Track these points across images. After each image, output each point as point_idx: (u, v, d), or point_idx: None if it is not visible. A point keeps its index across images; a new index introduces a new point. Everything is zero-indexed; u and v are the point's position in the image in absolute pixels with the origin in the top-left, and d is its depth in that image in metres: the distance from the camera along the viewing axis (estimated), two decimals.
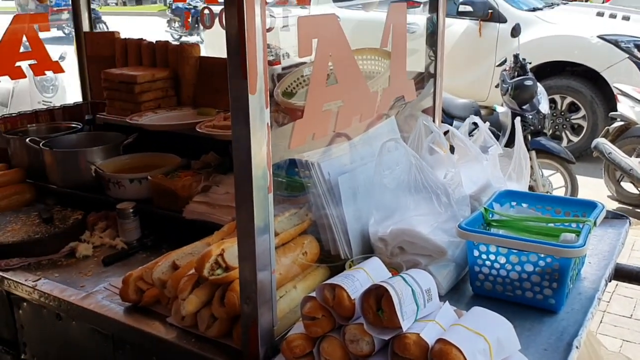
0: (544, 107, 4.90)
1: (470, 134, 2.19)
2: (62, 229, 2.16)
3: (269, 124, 1.30)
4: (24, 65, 2.92)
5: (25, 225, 2.20)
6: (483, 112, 5.54)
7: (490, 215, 1.73)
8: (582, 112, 6.47)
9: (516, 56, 4.99)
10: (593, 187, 5.45)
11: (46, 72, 3.04)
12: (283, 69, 2.57)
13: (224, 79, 2.64)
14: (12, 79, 3.01)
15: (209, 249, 1.46)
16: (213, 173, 2.31)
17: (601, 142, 5.12)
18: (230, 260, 1.44)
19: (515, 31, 5.14)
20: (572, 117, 6.55)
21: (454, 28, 6.91)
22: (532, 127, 4.77)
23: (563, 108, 6.57)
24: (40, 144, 2.50)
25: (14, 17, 2.88)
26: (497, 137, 4.87)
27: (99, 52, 2.98)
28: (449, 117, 5.01)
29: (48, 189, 2.52)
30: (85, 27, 3.10)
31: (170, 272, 1.60)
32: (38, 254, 2.05)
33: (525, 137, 4.69)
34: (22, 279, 1.90)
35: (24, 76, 2.96)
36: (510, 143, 4.74)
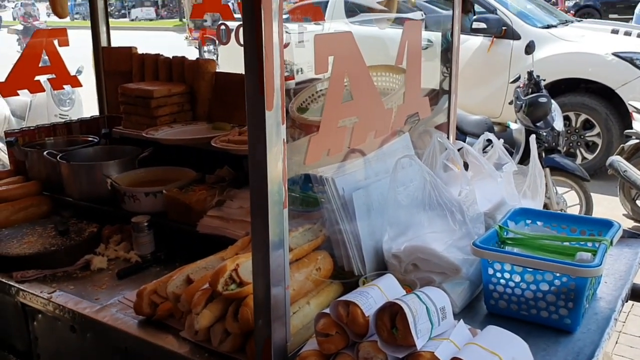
0: (558, 125, 4.88)
1: (484, 150, 2.19)
2: (77, 242, 2.18)
3: (285, 140, 1.31)
4: (43, 79, 2.96)
5: (42, 238, 2.22)
6: (497, 128, 5.52)
7: (505, 233, 1.72)
8: (597, 130, 6.43)
9: (530, 73, 4.98)
10: (608, 205, 5.40)
11: (64, 86, 3.07)
12: (297, 84, 2.59)
13: (239, 94, 2.65)
14: (31, 92, 3.05)
15: (223, 264, 1.47)
16: (227, 187, 2.32)
17: (616, 160, 5.07)
18: (245, 276, 1.44)
19: (530, 48, 5.15)
20: (586, 135, 6.51)
21: (468, 44, 6.92)
22: (546, 145, 4.75)
23: (577, 125, 6.54)
24: (58, 157, 2.53)
25: (35, 32, 2.93)
26: (511, 154, 4.83)
27: (116, 67, 3.02)
28: (462, 133, 5.00)
29: (64, 202, 2.54)
30: (103, 42, 3.14)
31: (184, 286, 1.61)
32: (53, 266, 2.07)
33: (539, 155, 4.66)
34: (37, 291, 1.92)
35: (43, 90, 3.00)
36: (524, 160, 4.71)
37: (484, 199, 1.89)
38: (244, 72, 1.28)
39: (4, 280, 2.00)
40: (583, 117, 6.49)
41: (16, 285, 1.96)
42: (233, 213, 2.12)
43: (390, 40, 2.42)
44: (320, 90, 2.28)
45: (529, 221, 1.86)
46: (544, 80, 5.10)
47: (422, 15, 2.38)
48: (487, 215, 1.87)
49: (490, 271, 1.61)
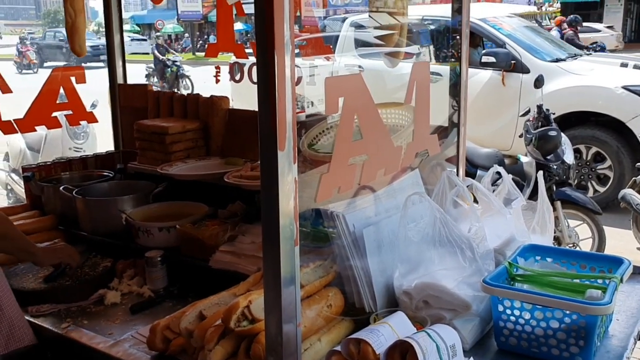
0: (569, 158, 4.88)
1: (493, 182, 2.21)
2: (91, 276, 2.21)
3: (296, 179, 1.34)
4: (60, 115, 3.04)
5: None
6: (507, 161, 5.53)
7: (515, 270, 1.73)
8: (608, 162, 6.43)
9: (540, 107, 5.01)
10: (621, 239, 5.36)
11: (80, 122, 3.15)
12: (307, 116, 2.65)
13: (251, 130, 2.71)
14: (48, 128, 3.13)
15: (236, 301, 1.49)
16: (239, 222, 2.35)
17: (628, 193, 5.06)
18: (257, 312, 1.47)
19: (539, 82, 5.19)
20: (597, 167, 6.50)
21: (478, 78, 6.98)
22: (557, 178, 4.76)
23: (588, 158, 6.54)
24: (73, 192, 2.58)
25: (53, 70, 3.02)
26: (521, 187, 4.86)
27: (132, 103, 3.09)
28: (472, 166, 5.02)
29: (79, 236, 2.58)
30: (119, 78, 3.23)
31: (197, 322, 1.63)
32: (68, 301, 2.09)
33: (550, 188, 4.67)
34: (51, 325, 1.95)
35: (60, 126, 3.08)
36: (535, 193, 4.71)
37: (493, 235, 1.91)
38: (255, 109, 1.33)
39: None
40: (594, 149, 6.49)
41: (31, 319, 1.99)
42: (245, 248, 2.15)
43: (400, 73, 2.48)
44: (330, 122, 2.33)
45: (538, 257, 1.87)
46: (554, 113, 5.12)
47: (418, 49, 2.43)
48: (496, 252, 1.88)
49: (501, 308, 1.61)
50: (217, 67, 2.76)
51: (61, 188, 2.65)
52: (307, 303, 1.59)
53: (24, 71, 24.16)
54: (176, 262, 2.23)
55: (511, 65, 6.90)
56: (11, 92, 2.75)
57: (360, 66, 7.21)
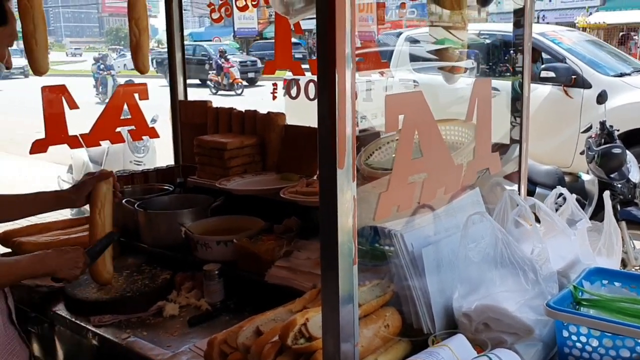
0: (635, 176, 4.69)
1: (556, 203, 2.15)
2: (151, 288, 2.26)
3: (355, 197, 1.34)
4: (123, 130, 3.14)
5: (117, 283, 2.31)
6: (567, 178, 5.37)
7: (580, 294, 1.67)
8: None
9: (603, 123, 4.84)
10: None
11: (142, 137, 3.25)
12: (360, 131, 2.64)
13: (307, 146, 2.72)
14: (112, 143, 3.24)
15: (293, 318, 1.49)
16: (295, 238, 2.36)
17: None
18: (314, 331, 1.46)
19: (602, 98, 5.02)
20: None
21: (537, 93, 6.83)
22: (621, 197, 4.57)
23: None
24: (135, 205, 2.66)
25: (118, 86, 3.13)
26: (583, 206, 4.69)
27: (192, 119, 3.16)
28: (532, 183, 4.89)
29: (139, 248, 2.65)
30: (180, 95, 3.31)
31: (254, 338, 1.63)
32: (128, 312, 2.14)
33: (614, 207, 4.48)
34: (112, 336, 2.00)
35: (123, 141, 3.18)
36: (596, 212, 4.55)
37: (557, 257, 1.84)
38: (309, 125, 1.32)
39: (82, 323, 2.09)
40: None
41: (93, 329, 2.05)
42: (300, 264, 2.15)
43: (457, 88, 2.44)
44: (384, 137, 2.32)
45: (605, 281, 1.79)
46: (618, 130, 4.94)
47: (472, 64, 2.39)
48: (560, 274, 1.81)
49: (565, 334, 1.55)
50: (274, 84, 2.79)
51: (123, 201, 2.72)
52: (364, 322, 1.57)
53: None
54: (233, 276, 2.25)
55: (572, 80, 6.71)
56: (78, 107, 2.87)
57: (415, 81, 7.17)
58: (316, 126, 1.29)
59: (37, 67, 2.57)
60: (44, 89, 2.82)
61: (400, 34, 8.55)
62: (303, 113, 2.51)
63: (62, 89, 2.85)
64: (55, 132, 2.81)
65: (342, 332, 1.32)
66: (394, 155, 1.55)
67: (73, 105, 2.86)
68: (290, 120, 2.90)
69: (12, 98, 19.85)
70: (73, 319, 2.13)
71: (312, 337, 1.47)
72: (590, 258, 1.93)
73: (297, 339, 1.47)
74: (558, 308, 1.54)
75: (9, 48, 1.99)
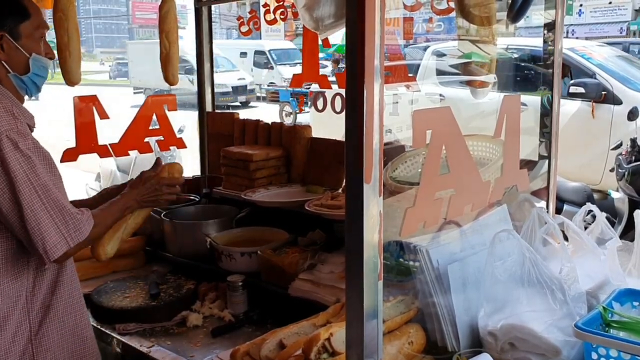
0: None
1: (584, 221, 2.11)
2: (175, 298, 2.28)
3: (382, 212, 1.33)
4: (151, 140, 3.18)
5: (143, 292, 2.34)
6: (596, 196, 5.27)
7: (610, 316, 1.63)
8: None
9: (634, 140, 4.76)
10: None
11: (170, 147, 3.28)
12: (385, 144, 2.62)
13: (332, 158, 2.71)
14: (140, 153, 3.27)
15: (317, 332, 1.48)
16: (319, 251, 2.36)
17: None
18: (337, 346, 1.45)
19: (633, 114, 4.96)
20: None
21: (565, 109, 6.74)
22: None
23: None
24: (162, 215, 2.68)
25: (147, 97, 3.18)
26: (612, 224, 4.60)
27: (219, 130, 3.19)
28: (560, 200, 4.81)
29: (164, 257, 2.67)
30: (208, 107, 3.35)
31: (277, 351, 1.63)
32: (152, 321, 2.16)
33: None
34: (137, 344, 2.02)
35: (151, 151, 3.21)
36: (627, 231, 4.46)
37: (585, 277, 1.81)
38: (334, 137, 1.32)
39: (107, 331, 2.11)
40: None
41: (118, 337, 2.07)
42: (324, 278, 2.14)
43: (475, 102, 2.42)
44: (410, 152, 2.30)
45: (636, 303, 1.74)
46: None
47: (494, 78, 2.37)
48: (589, 295, 1.78)
49: (594, 356, 1.51)
50: (301, 97, 2.81)
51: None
52: (387, 338, 1.56)
53: None
54: (256, 287, 2.25)
55: (602, 96, 6.62)
56: (108, 118, 2.92)
57: (441, 94, 7.14)
58: (341, 139, 1.29)
59: (70, 77, 2.62)
60: (75, 98, 2.87)
61: (427, 47, 8.54)
62: (330, 125, 2.51)
63: (92, 99, 2.90)
64: (85, 141, 2.86)
65: (366, 348, 1.31)
66: (420, 170, 1.54)
67: (103, 115, 2.91)
68: (316, 133, 2.91)
69: (45, 107, 20.25)
70: (98, 326, 2.15)
71: (335, 352, 1.46)
72: (621, 279, 1.88)
73: (321, 353, 1.47)
74: (587, 329, 1.51)
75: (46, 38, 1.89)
